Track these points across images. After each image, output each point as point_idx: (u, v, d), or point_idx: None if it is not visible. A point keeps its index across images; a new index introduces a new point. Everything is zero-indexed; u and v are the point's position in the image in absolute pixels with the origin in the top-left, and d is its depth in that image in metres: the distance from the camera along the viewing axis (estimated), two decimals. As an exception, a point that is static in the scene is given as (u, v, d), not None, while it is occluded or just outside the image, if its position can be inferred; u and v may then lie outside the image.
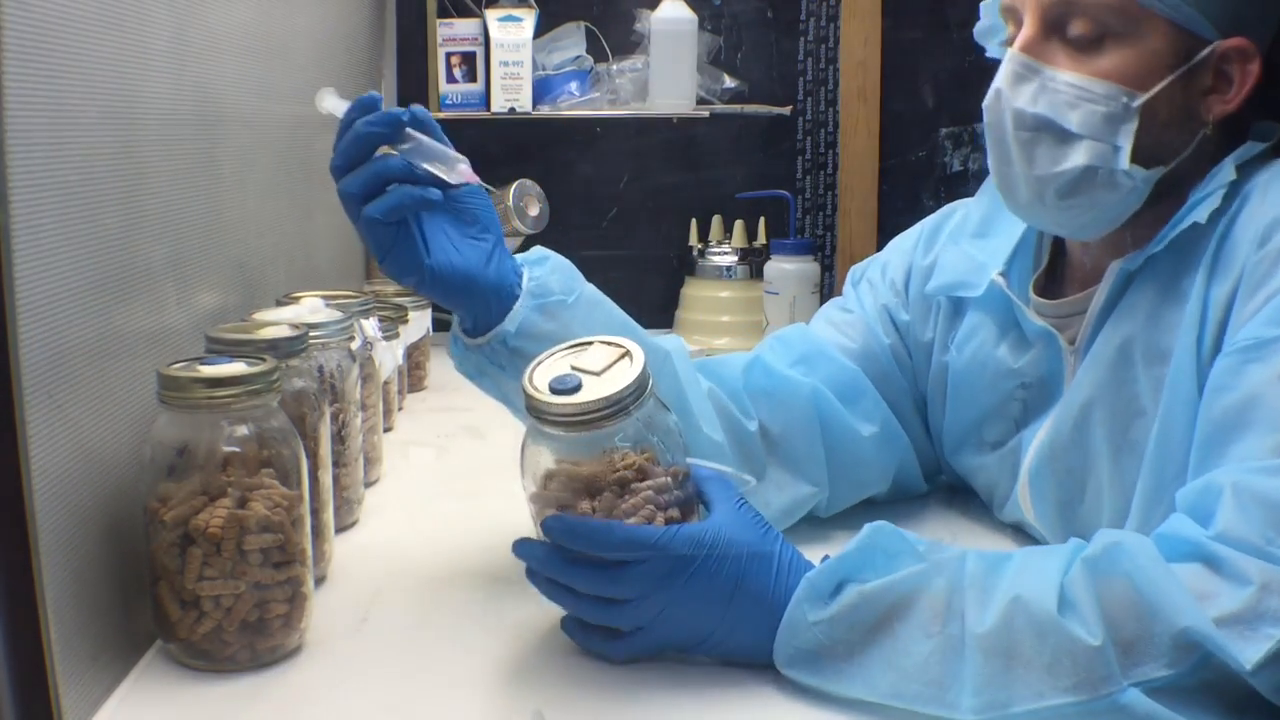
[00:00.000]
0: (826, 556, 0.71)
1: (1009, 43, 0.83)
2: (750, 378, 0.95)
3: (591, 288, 0.85)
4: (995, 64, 0.84)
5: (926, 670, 0.65)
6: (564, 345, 0.75)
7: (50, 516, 0.62)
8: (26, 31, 0.60)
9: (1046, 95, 0.79)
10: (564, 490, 0.72)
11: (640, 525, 0.69)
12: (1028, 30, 0.80)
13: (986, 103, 0.83)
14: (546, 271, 0.82)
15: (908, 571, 0.68)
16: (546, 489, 0.73)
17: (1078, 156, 0.79)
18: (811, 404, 0.94)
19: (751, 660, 0.70)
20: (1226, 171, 0.78)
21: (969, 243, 0.96)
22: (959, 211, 1.00)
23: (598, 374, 0.71)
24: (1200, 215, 0.77)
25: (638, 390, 0.70)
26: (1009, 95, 0.81)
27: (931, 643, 0.65)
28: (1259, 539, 0.62)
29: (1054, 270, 0.92)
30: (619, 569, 0.69)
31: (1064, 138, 0.79)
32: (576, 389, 0.70)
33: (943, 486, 1.06)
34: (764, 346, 1.01)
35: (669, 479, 0.72)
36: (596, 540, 0.69)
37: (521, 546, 0.73)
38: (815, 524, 0.96)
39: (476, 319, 0.81)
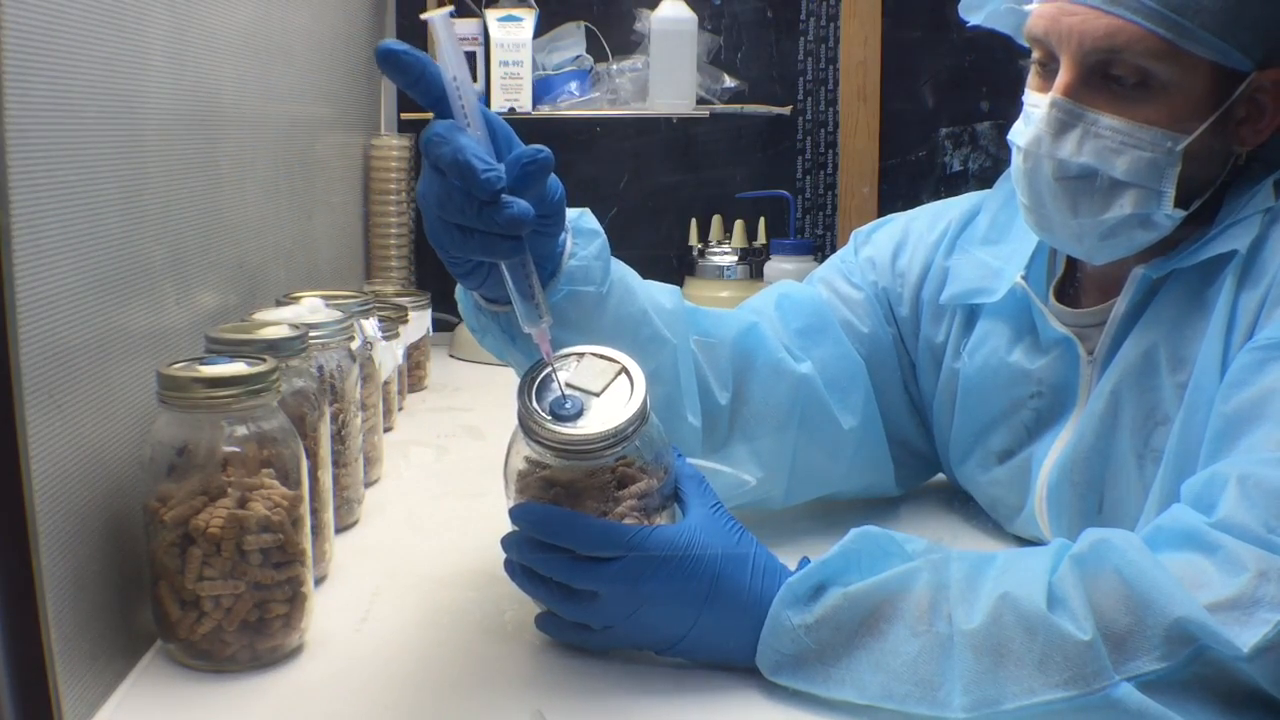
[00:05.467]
0: (805, 559, 0.71)
1: (1040, 74, 0.81)
2: (742, 344, 0.91)
3: (620, 270, 0.80)
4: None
5: (916, 670, 0.65)
6: (556, 355, 0.72)
7: (50, 516, 0.62)
8: (26, 31, 0.60)
9: (1090, 141, 0.78)
10: (543, 494, 0.71)
11: (616, 522, 0.69)
12: (1067, 74, 0.78)
13: (1024, 144, 0.81)
14: (591, 255, 0.76)
15: (891, 573, 0.68)
16: (525, 491, 0.72)
17: (1124, 205, 0.78)
18: (795, 392, 0.92)
19: (729, 663, 0.70)
20: (1265, 194, 0.78)
21: (980, 249, 0.94)
22: (978, 216, 0.97)
23: (597, 394, 0.70)
24: (1241, 243, 0.77)
25: (639, 419, 0.69)
26: (1050, 143, 0.79)
27: (919, 642, 0.65)
28: (1261, 527, 0.63)
29: (1069, 278, 0.91)
30: (593, 562, 0.68)
31: (1110, 185, 0.78)
32: (579, 415, 0.69)
33: (944, 489, 1.06)
34: (768, 303, 0.97)
35: (654, 482, 0.71)
36: (568, 533, 0.68)
37: (505, 538, 0.73)
38: (793, 530, 0.94)
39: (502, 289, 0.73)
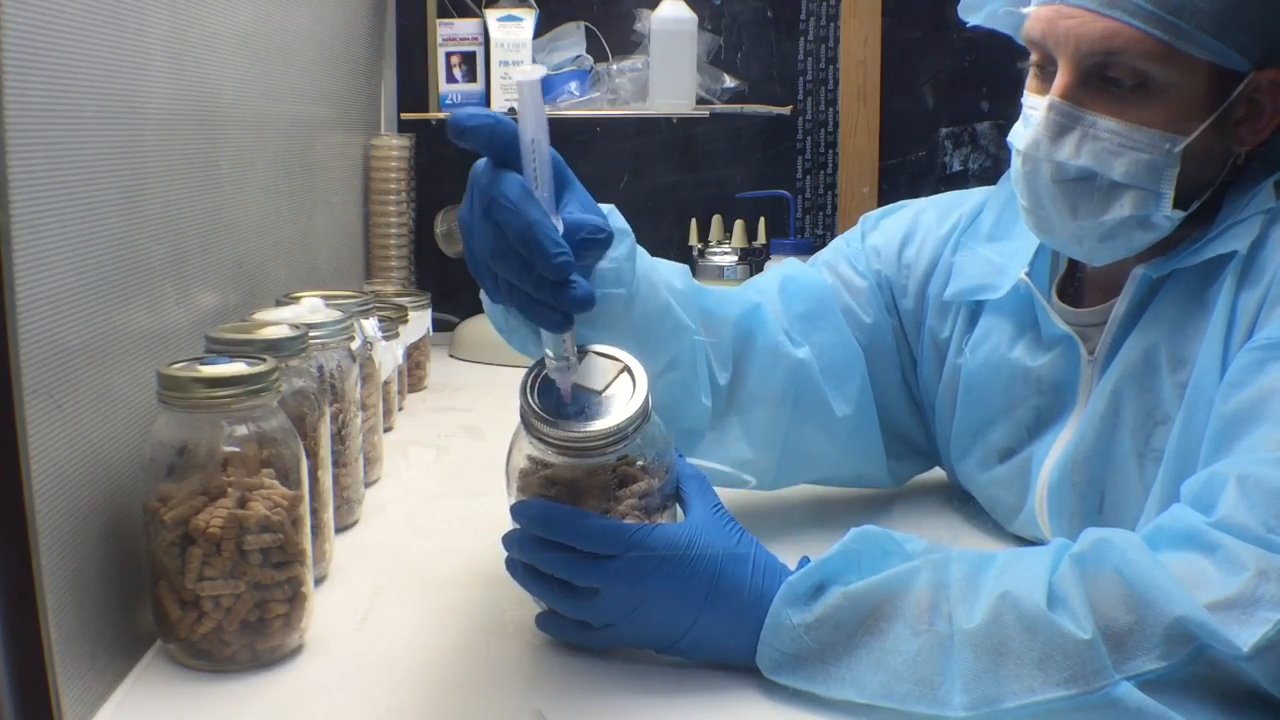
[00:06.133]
0: (805, 558, 0.71)
1: (1038, 76, 0.82)
2: (744, 324, 0.92)
3: (643, 263, 0.79)
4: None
5: (916, 668, 0.65)
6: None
7: (50, 516, 0.62)
8: (26, 31, 0.60)
9: (1089, 144, 0.78)
10: (545, 492, 0.72)
11: (617, 520, 0.69)
12: (1064, 77, 0.78)
13: (1022, 148, 0.81)
14: (622, 256, 0.74)
15: (891, 572, 0.68)
16: (527, 490, 0.73)
17: (1123, 207, 0.78)
18: (791, 376, 0.92)
19: (729, 662, 0.70)
20: (1266, 194, 0.78)
21: (984, 246, 0.94)
22: (982, 213, 0.97)
23: (599, 393, 0.71)
24: (1241, 244, 0.77)
25: (641, 418, 0.70)
26: (1049, 146, 0.79)
27: (919, 640, 0.65)
28: (1260, 527, 0.63)
29: (1071, 277, 0.91)
30: (594, 560, 0.68)
31: (1109, 188, 0.78)
32: (581, 413, 0.70)
33: (943, 489, 1.06)
34: (772, 284, 0.97)
35: (655, 481, 0.72)
36: (569, 530, 0.69)
37: (507, 535, 0.73)
38: (793, 530, 0.94)
39: None
